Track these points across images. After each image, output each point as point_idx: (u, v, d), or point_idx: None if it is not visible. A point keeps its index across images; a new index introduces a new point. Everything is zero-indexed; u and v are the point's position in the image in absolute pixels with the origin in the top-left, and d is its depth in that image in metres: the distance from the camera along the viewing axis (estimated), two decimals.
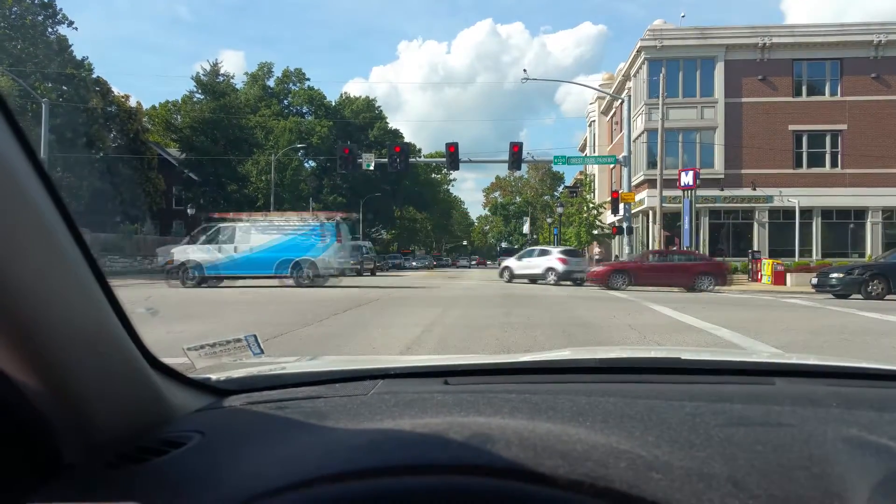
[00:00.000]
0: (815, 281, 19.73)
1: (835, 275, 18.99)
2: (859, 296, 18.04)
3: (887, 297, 17.80)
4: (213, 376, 1.30)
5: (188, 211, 43.07)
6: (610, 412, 1.00)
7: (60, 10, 39.62)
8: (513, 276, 27.90)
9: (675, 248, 28.76)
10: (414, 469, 0.80)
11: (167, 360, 1.11)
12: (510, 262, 29.44)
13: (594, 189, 46.07)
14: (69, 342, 0.84)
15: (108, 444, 0.93)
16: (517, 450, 0.81)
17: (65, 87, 38.61)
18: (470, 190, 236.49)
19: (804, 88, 33.51)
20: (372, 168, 31.65)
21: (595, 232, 43.03)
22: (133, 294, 15.55)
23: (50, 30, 39.40)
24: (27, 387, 0.83)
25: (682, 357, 1.53)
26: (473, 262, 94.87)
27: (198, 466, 0.90)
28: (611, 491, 0.74)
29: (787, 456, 0.84)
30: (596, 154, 46.07)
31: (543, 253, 28.08)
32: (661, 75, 29.89)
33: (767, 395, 1.22)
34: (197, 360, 1.32)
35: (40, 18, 38.75)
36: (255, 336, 1.44)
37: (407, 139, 76.07)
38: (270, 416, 1.11)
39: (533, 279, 26.95)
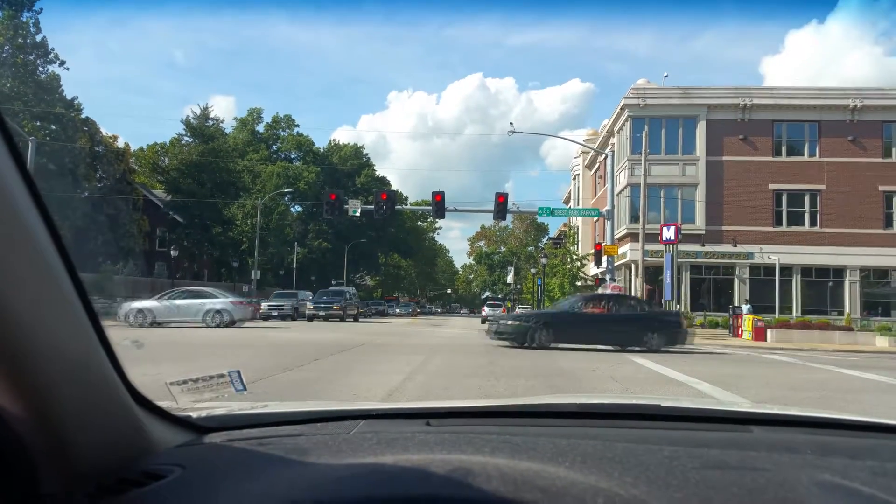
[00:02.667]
0: (492, 328, 18.05)
1: (509, 322, 17.86)
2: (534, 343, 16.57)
3: (552, 345, 16.54)
4: (194, 413, 1.30)
5: (171, 252, 42.81)
6: (589, 454, 1.02)
7: (52, 49, 39.88)
8: None
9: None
10: (394, 501, 0.81)
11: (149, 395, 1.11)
12: None
13: (578, 241, 46.45)
14: (55, 371, 0.85)
15: (89, 475, 0.93)
16: (497, 483, 0.82)
17: (53, 127, 38.66)
18: (455, 238, 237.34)
19: (784, 148, 34.31)
20: (358, 214, 31.75)
21: (578, 283, 43.18)
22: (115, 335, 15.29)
23: (41, 69, 39.61)
24: (10, 413, 0.83)
25: (662, 404, 1.55)
26: (463, 310, 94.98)
27: (178, 499, 0.90)
28: None
29: (761, 498, 0.85)
30: (580, 207, 46.60)
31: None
32: (644, 132, 30.52)
33: (745, 442, 1.24)
34: (180, 396, 1.32)
35: (32, 57, 38.98)
36: (238, 372, 1.44)
37: (394, 186, 76.69)
38: (251, 451, 1.11)
39: None
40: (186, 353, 12.20)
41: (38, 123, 37.36)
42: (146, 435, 1.07)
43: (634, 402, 1.69)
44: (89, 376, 0.92)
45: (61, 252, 0.83)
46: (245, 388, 1.43)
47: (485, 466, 0.88)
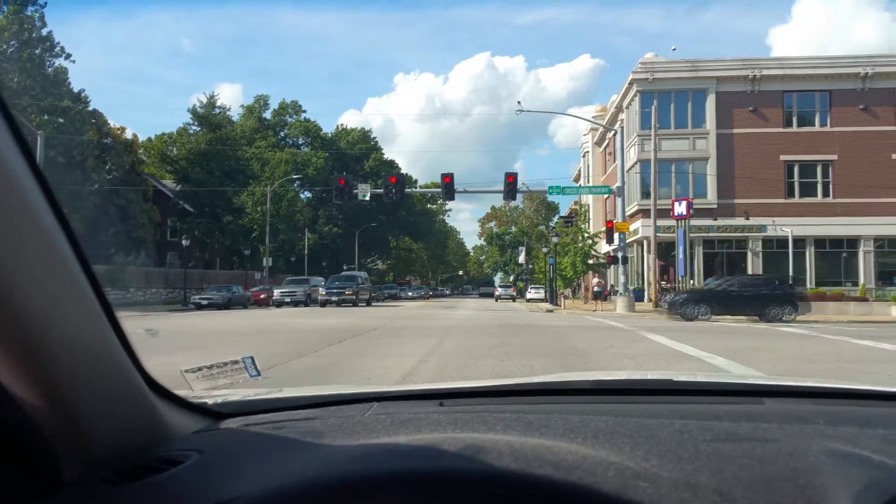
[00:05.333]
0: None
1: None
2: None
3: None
4: (210, 400, 1.32)
5: (182, 242, 43.06)
6: (601, 429, 1.02)
7: (58, 43, 39.87)
8: None
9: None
10: (406, 477, 0.83)
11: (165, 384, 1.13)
12: None
13: (589, 219, 46.23)
14: (71, 360, 0.86)
15: (107, 462, 0.94)
16: (509, 459, 0.84)
17: (61, 120, 38.74)
18: (465, 220, 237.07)
19: (794, 119, 33.91)
20: (367, 198, 31.77)
21: (590, 261, 43.05)
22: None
23: (48, 63, 39.65)
24: (28, 403, 0.84)
25: (675, 379, 1.56)
26: (474, 292, 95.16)
27: (197, 483, 0.92)
28: (599, 496, 0.76)
29: (772, 468, 0.86)
30: (590, 184, 46.36)
31: None
32: (653, 107, 30.27)
33: (756, 414, 1.24)
34: (194, 383, 1.34)
35: (38, 51, 39.01)
36: (251, 358, 1.46)
37: (403, 170, 76.44)
38: (268, 435, 1.13)
39: None
40: (200, 342, 12.32)
41: (46, 117, 37.43)
42: (163, 422, 1.09)
43: (647, 377, 1.70)
44: (105, 366, 0.94)
45: (73, 243, 0.84)
46: (259, 374, 1.44)
47: (496, 443, 0.90)
